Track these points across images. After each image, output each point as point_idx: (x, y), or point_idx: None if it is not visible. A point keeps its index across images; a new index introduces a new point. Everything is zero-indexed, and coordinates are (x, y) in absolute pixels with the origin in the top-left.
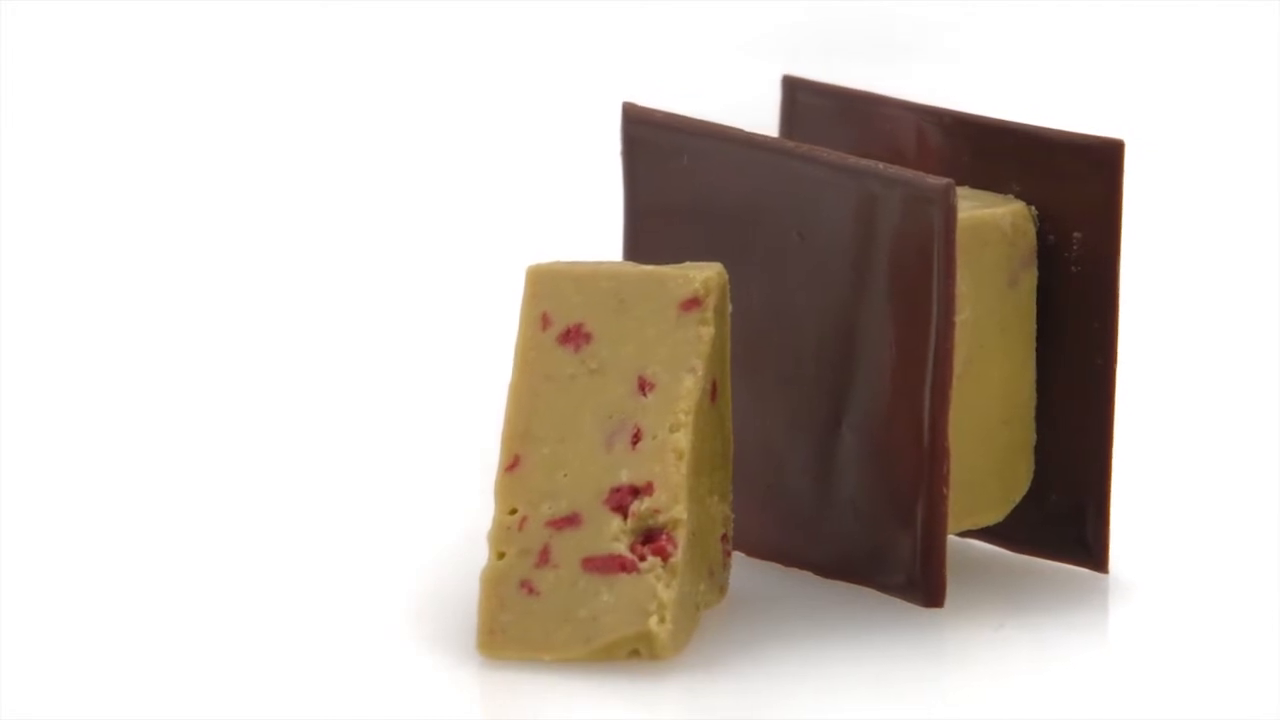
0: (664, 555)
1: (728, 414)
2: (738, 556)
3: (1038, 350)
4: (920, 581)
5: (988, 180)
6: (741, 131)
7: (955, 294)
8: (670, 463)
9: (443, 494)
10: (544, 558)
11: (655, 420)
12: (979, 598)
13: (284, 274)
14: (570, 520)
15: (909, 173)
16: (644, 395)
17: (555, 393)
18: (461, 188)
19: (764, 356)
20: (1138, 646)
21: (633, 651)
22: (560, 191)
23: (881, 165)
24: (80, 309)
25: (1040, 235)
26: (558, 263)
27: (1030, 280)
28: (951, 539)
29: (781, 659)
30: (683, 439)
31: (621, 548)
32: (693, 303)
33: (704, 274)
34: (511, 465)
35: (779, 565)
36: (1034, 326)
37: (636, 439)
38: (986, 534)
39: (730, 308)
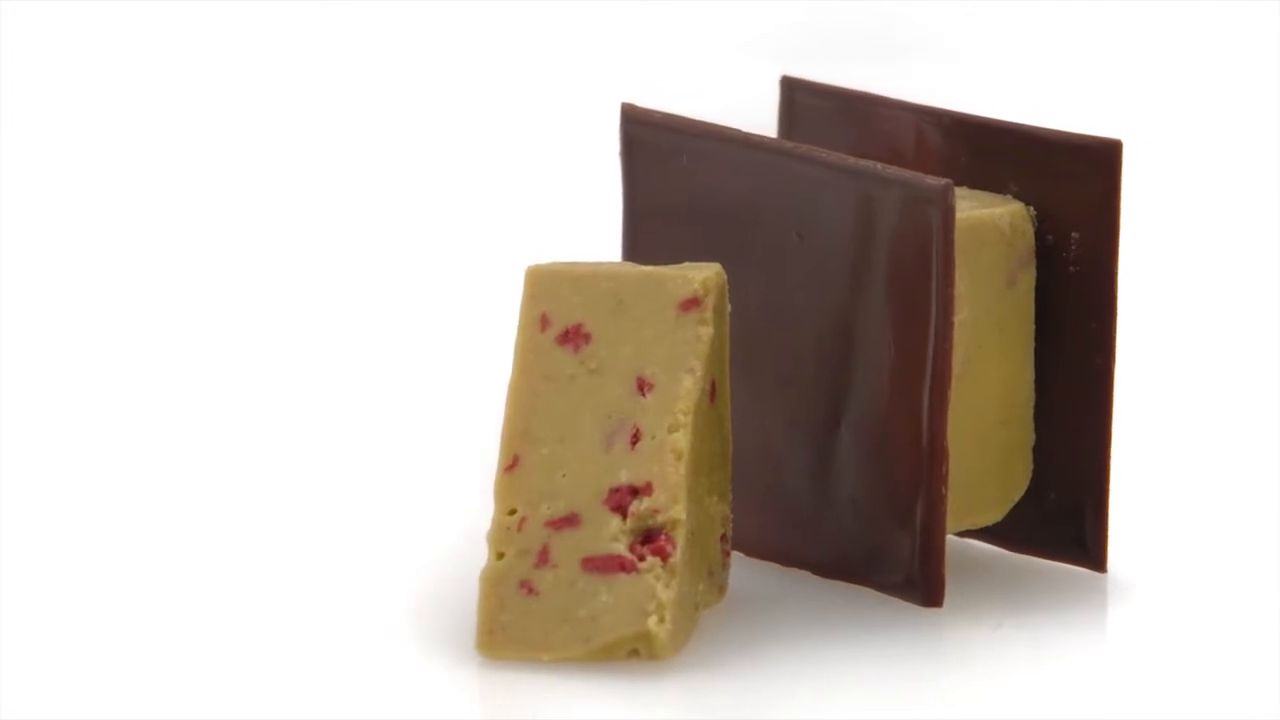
0: (663, 555)
1: (727, 414)
2: (737, 556)
3: (1036, 350)
4: (919, 581)
5: (986, 180)
6: (740, 132)
7: (954, 294)
8: (669, 463)
9: (443, 494)
10: (543, 558)
11: (654, 420)
12: (978, 597)
13: (284, 274)
14: (569, 520)
15: (907, 173)
16: (643, 395)
17: (554, 393)
18: (461, 188)
19: (763, 357)
20: (1136, 646)
21: (632, 651)
22: (559, 192)
23: (880, 166)
24: (80, 310)
25: (1038, 235)
26: (557, 263)
27: (1029, 280)
28: (950, 539)
29: (780, 659)
30: (682, 439)
31: (621, 548)
32: (692, 303)
33: (703, 274)
34: (511, 465)
35: (778, 565)
36: (1032, 326)
37: (635, 439)
38: (985, 534)
39: (729, 308)
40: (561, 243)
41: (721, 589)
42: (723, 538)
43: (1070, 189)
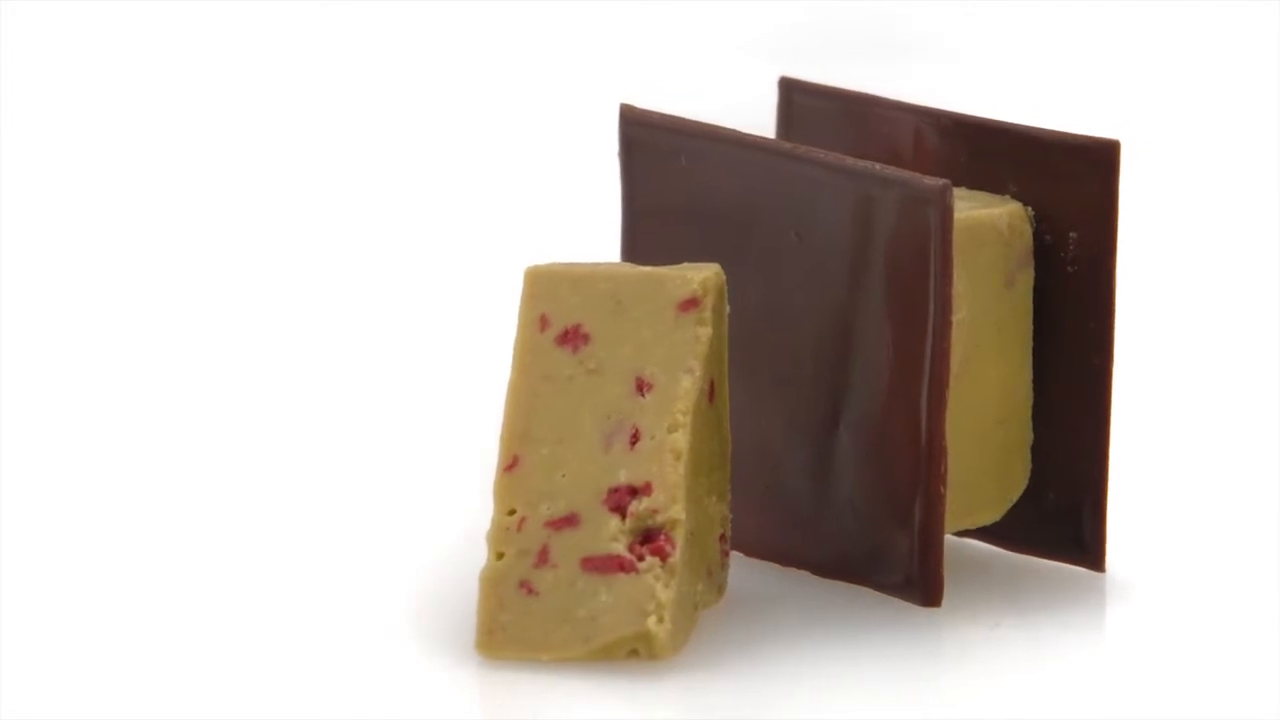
0: (662, 555)
1: (725, 414)
2: (736, 556)
3: (1034, 350)
4: (918, 581)
5: (984, 181)
6: (739, 133)
7: (952, 294)
8: (668, 463)
9: (443, 494)
10: (543, 558)
11: (653, 420)
12: (976, 597)
13: (283, 275)
14: (569, 520)
15: (906, 173)
16: (642, 396)
17: (554, 393)
18: (460, 189)
19: (761, 357)
20: (1134, 645)
21: (631, 651)
22: (558, 192)
23: (878, 166)
24: (79, 310)
25: (1037, 235)
26: (556, 264)
27: (1027, 280)
28: (949, 538)
29: (779, 658)
30: (681, 439)
31: (620, 548)
32: (690, 303)
33: (701, 275)
34: (510, 466)
35: (777, 565)
36: (1030, 326)
37: (635, 439)
38: (984, 533)
39: (728, 308)
40: (560, 243)
41: (721, 589)
42: (722, 538)
43: (1068, 189)
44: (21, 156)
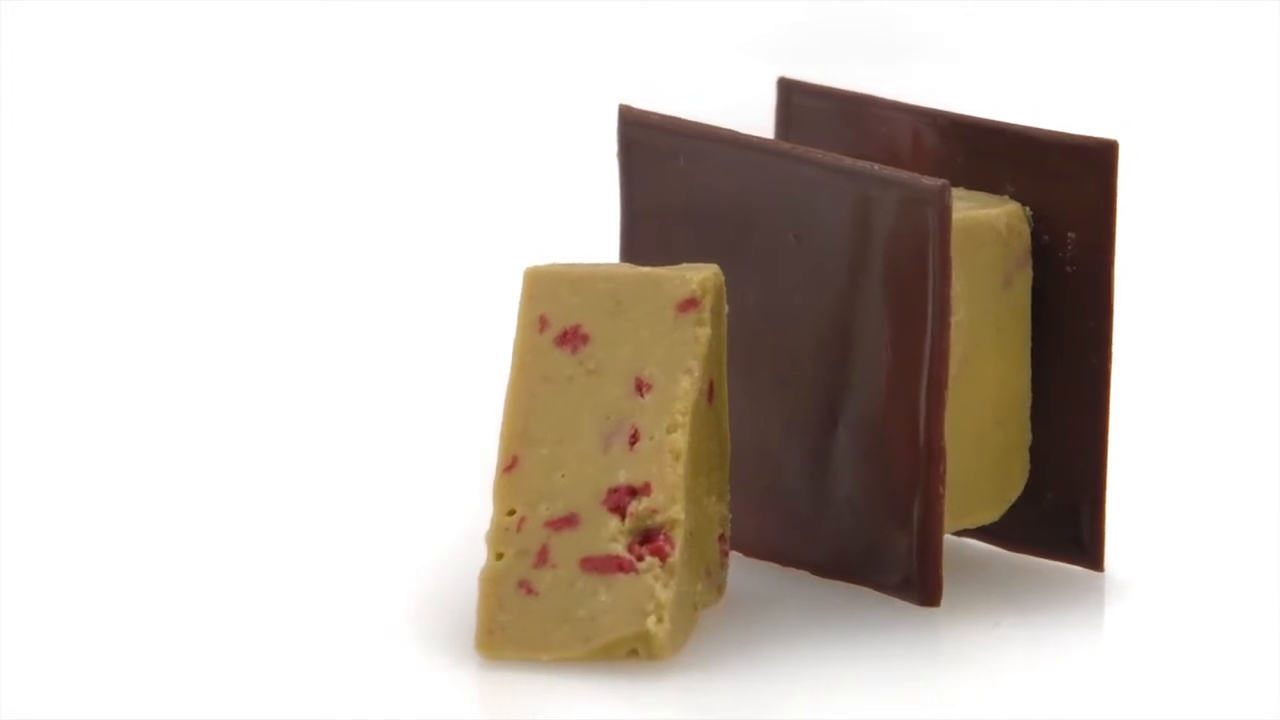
0: (662, 555)
1: (724, 414)
2: (735, 556)
3: (1033, 350)
4: (917, 580)
5: (982, 181)
6: (737, 133)
7: (950, 294)
8: (667, 463)
9: (443, 494)
10: (542, 558)
11: (652, 421)
12: (975, 597)
13: (283, 275)
14: (568, 521)
15: (904, 174)
16: (641, 396)
17: (553, 394)
18: (459, 189)
19: (760, 357)
20: (1133, 644)
21: (631, 651)
22: (557, 193)
23: (877, 166)
24: (79, 310)
25: (1035, 235)
26: (555, 264)
27: (1025, 280)
28: (948, 538)
29: (779, 658)
30: (680, 439)
31: (619, 548)
32: (689, 304)
33: (700, 275)
34: (509, 466)
35: (776, 565)
36: (1029, 326)
37: (634, 440)
38: (982, 533)
39: (727, 309)
40: (560, 244)
41: (720, 589)
42: (721, 538)
43: (1066, 189)
44: (21, 156)
